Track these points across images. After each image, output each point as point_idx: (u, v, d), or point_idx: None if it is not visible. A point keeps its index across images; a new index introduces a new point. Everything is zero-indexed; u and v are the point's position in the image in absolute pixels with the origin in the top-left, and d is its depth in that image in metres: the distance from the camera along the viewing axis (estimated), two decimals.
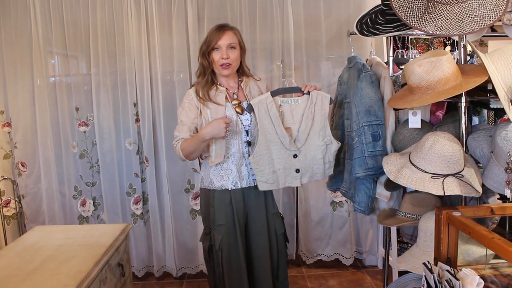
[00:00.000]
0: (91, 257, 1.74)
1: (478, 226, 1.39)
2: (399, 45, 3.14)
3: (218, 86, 2.15)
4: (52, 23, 3.21)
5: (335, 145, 2.14)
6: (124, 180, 3.37)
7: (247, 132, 2.14)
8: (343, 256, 3.53)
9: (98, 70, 3.25)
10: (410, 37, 3.28)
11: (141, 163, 3.37)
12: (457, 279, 1.35)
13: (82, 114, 3.34)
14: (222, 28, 2.08)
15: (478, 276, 1.33)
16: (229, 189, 2.14)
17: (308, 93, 2.11)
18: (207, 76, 2.13)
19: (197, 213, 3.40)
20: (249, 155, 2.12)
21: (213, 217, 2.15)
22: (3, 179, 3.38)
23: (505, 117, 2.34)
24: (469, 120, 2.32)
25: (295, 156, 2.12)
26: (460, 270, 1.40)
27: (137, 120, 3.30)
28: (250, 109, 2.07)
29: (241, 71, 2.23)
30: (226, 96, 2.13)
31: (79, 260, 1.71)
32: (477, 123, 2.41)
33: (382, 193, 2.18)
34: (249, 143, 2.15)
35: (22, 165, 3.38)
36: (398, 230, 2.97)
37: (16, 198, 3.45)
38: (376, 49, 3.04)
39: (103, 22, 3.21)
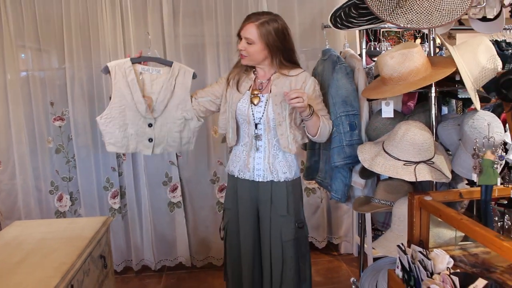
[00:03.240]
0: (73, 250, 1.75)
1: (448, 209, 1.47)
2: (371, 38, 3.22)
3: (252, 73, 2.13)
4: (24, 17, 3.15)
5: (195, 122, 2.18)
6: (101, 174, 3.36)
7: (256, 125, 2.08)
8: (316, 239, 3.67)
9: (73, 64, 3.21)
10: (382, 30, 3.37)
11: (118, 157, 3.36)
12: (429, 259, 1.43)
13: (57, 109, 3.30)
14: (246, 20, 2.01)
15: (448, 256, 1.42)
16: (235, 176, 2.16)
17: (171, 65, 2.12)
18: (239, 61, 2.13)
19: (175, 205, 3.42)
20: (257, 149, 2.09)
21: (225, 199, 2.24)
22: None
23: (472, 106, 2.44)
24: (439, 109, 2.42)
25: (150, 125, 2.14)
26: (432, 251, 1.49)
27: None
28: (106, 71, 2.06)
29: (279, 65, 2.06)
30: (251, 85, 2.11)
31: (62, 253, 1.72)
32: (446, 112, 2.51)
33: (357, 181, 2.26)
34: (257, 137, 2.09)
35: None
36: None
37: None
38: (349, 42, 3.12)
39: (77, 15, 3.17)
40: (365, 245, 3.06)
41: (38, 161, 3.33)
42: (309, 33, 3.37)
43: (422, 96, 2.27)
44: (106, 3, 3.15)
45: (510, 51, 2.43)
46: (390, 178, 2.22)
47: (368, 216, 3.02)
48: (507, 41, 2.61)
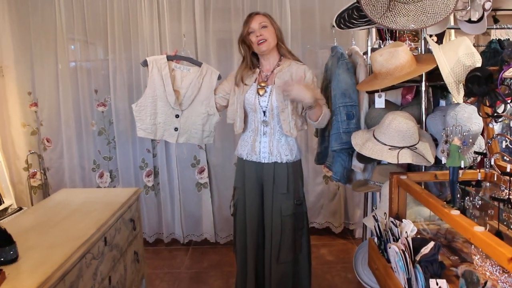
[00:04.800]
0: (108, 211, 2.12)
1: (415, 185, 1.74)
2: (387, 36, 3.41)
3: (257, 68, 2.40)
4: (74, 14, 3.59)
5: (216, 117, 2.48)
6: (138, 155, 3.77)
7: (264, 112, 2.33)
8: (333, 224, 3.91)
9: (115, 56, 3.62)
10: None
11: (152, 140, 3.75)
12: (397, 227, 1.70)
13: (100, 96, 3.73)
14: (251, 14, 2.33)
15: (412, 224, 1.67)
16: (244, 158, 2.44)
17: (200, 65, 2.43)
18: (246, 60, 2.39)
19: (202, 186, 3.78)
20: (265, 134, 2.35)
21: (235, 179, 2.52)
22: (31, 153, 3.80)
23: (468, 100, 2.63)
24: (436, 103, 2.63)
25: (177, 116, 2.43)
26: (402, 222, 1.75)
27: None
28: (145, 63, 2.38)
29: (282, 53, 2.38)
30: (256, 78, 2.37)
31: (99, 213, 2.09)
32: (444, 105, 2.70)
33: (356, 165, 2.51)
34: (265, 122, 2.35)
35: (47, 141, 3.79)
36: None
37: (41, 171, 3.86)
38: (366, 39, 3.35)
39: (119, 12, 3.58)
40: None
41: (83, 142, 3.78)
42: (329, 30, 3.59)
43: (419, 90, 2.49)
44: (144, 1, 3.52)
45: (510, 49, 2.59)
46: (389, 163, 2.47)
47: (376, 199, 3.24)
48: (511, 40, 2.77)
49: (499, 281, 1.32)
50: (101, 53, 3.74)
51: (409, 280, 1.42)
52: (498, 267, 1.35)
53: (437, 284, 1.24)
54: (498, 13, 3.74)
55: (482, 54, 2.68)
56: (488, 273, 1.37)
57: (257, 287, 2.52)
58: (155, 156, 3.79)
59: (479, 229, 1.19)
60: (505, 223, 1.41)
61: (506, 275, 1.32)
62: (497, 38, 2.76)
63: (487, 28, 2.83)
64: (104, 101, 3.73)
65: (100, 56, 3.75)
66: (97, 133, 3.77)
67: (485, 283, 1.29)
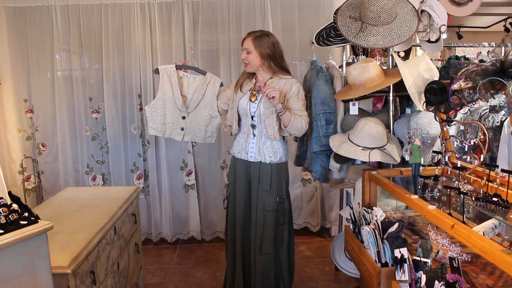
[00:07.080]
0: (115, 204, 2.38)
1: (384, 178, 2.06)
2: (360, 52, 3.77)
3: (254, 78, 2.69)
4: (71, 26, 3.83)
5: (218, 120, 2.81)
6: (129, 159, 4.01)
7: (252, 117, 2.61)
8: (311, 224, 4.22)
9: (109, 65, 3.87)
10: None
11: (143, 145, 4.01)
12: (368, 213, 2.02)
13: (94, 103, 3.96)
14: (245, 36, 2.60)
15: (382, 211, 2.00)
16: (235, 156, 2.74)
17: (205, 74, 2.75)
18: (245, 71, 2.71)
19: (190, 187, 4.04)
20: (254, 136, 2.63)
21: (228, 175, 2.83)
22: (25, 157, 3.99)
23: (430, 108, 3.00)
24: (403, 110, 2.99)
25: (183, 117, 2.74)
26: (373, 209, 2.07)
27: (141, 109, 3.93)
28: (157, 71, 2.70)
29: (272, 69, 2.61)
30: (251, 87, 2.65)
31: (106, 206, 2.35)
32: (410, 112, 3.07)
33: (333, 165, 2.84)
34: (253, 126, 2.63)
35: (43, 146, 3.99)
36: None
37: (35, 174, 4.05)
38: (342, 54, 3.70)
39: (114, 25, 3.83)
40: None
41: (77, 147, 4.00)
42: (307, 45, 3.95)
43: (387, 99, 2.85)
44: (137, 15, 3.80)
45: (455, 68, 2.95)
46: (363, 162, 2.81)
47: (350, 195, 3.58)
48: (466, 56, 3.17)
49: (448, 250, 1.65)
50: (95, 63, 3.97)
51: (378, 253, 1.74)
52: (448, 239, 1.69)
53: (400, 252, 1.56)
54: (462, 29, 4.17)
55: (443, 68, 3.06)
56: (440, 245, 1.70)
57: (245, 277, 2.80)
58: (145, 160, 4.04)
59: (431, 207, 1.52)
60: (454, 206, 1.75)
61: (453, 245, 1.65)
62: (454, 55, 3.14)
63: (449, 46, 3.26)
64: (98, 108, 3.96)
65: (94, 66, 3.98)
66: (91, 138, 4.00)
67: (438, 252, 1.62)
